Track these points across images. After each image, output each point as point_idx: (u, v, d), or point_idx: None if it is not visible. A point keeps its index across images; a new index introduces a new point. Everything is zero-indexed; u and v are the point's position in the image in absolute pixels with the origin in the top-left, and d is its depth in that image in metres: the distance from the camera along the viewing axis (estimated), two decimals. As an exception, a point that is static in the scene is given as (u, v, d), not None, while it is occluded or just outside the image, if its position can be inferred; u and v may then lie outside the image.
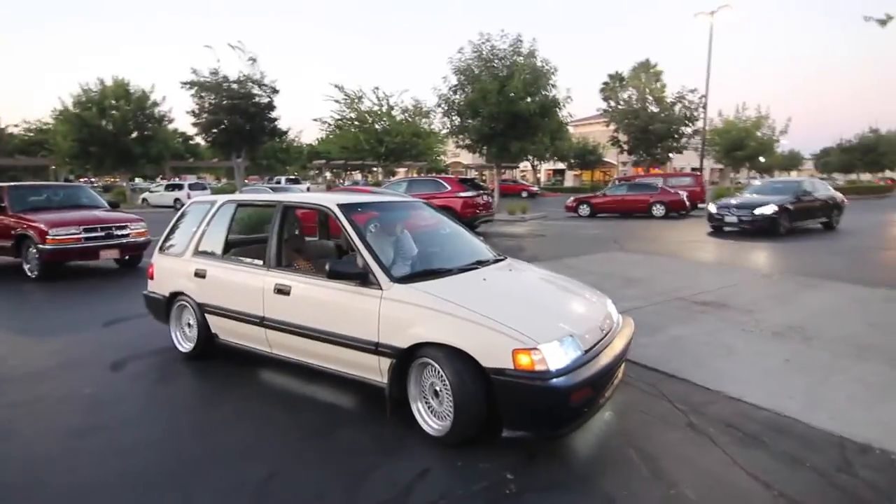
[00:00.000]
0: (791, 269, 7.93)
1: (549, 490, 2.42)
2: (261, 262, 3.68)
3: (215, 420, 3.20)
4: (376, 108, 24.70)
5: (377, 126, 24.47)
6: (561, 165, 44.27)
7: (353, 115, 24.74)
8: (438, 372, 2.75)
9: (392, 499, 2.34)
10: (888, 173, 47.16)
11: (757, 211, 11.97)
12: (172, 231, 4.49)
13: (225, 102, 13.20)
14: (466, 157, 45.72)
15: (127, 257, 8.44)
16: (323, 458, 2.71)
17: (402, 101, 25.66)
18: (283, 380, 3.82)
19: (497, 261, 3.79)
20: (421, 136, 25.77)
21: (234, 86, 13.47)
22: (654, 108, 24.73)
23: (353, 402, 3.43)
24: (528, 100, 16.61)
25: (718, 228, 12.83)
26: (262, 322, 3.52)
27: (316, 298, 3.27)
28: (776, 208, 11.84)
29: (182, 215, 4.52)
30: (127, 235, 8.24)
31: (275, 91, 14.04)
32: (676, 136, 23.94)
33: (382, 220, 3.93)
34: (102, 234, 7.91)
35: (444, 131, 24.05)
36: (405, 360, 2.87)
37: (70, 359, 4.26)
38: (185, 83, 13.48)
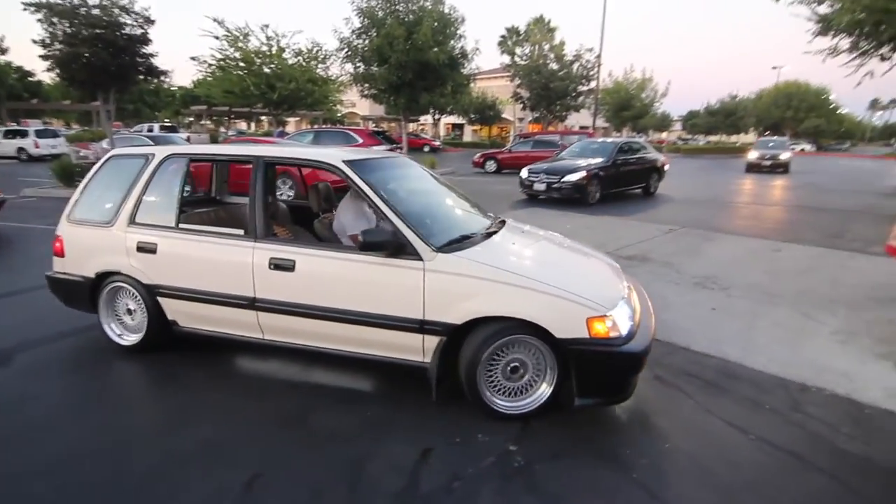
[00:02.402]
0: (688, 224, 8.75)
1: (558, 458, 2.40)
2: (241, 232, 3.08)
3: (164, 418, 2.72)
4: (265, 48, 22.41)
5: (266, 69, 22.30)
6: (460, 120, 44.32)
7: (237, 55, 22.23)
8: (527, 348, 2.62)
9: (403, 489, 2.16)
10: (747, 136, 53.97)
11: (565, 178, 10.77)
12: (85, 194, 3.53)
13: (85, 31, 10.86)
14: (363, 108, 43.82)
15: (-26, 220, 6.87)
16: (308, 451, 2.42)
17: (297, 43, 23.58)
18: (231, 361, 3.36)
19: (501, 222, 3.57)
20: (317, 82, 23.99)
21: (96, 11, 11.15)
22: (554, 66, 25.42)
23: (322, 380, 3.12)
24: (437, 49, 16.05)
25: (532, 196, 11.51)
26: (253, 304, 2.96)
27: (334, 274, 2.80)
28: (584, 174, 10.72)
29: (96, 174, 3.54)
30: (-28, 193, 6.66)
31: (149, 21, 11.87)
32: (574, 94, 25.01)
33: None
34: (-63, 191, 6.31)
35: (343, 78, 22.68)
36: (457, 337, 2.63)
37: (-72, 354, 3.37)
38: (30, 5, 10.80)
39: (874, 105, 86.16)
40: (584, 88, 25.48)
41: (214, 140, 25.94)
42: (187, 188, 3.38)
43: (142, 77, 12.72)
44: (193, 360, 3.33)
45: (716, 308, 4.52)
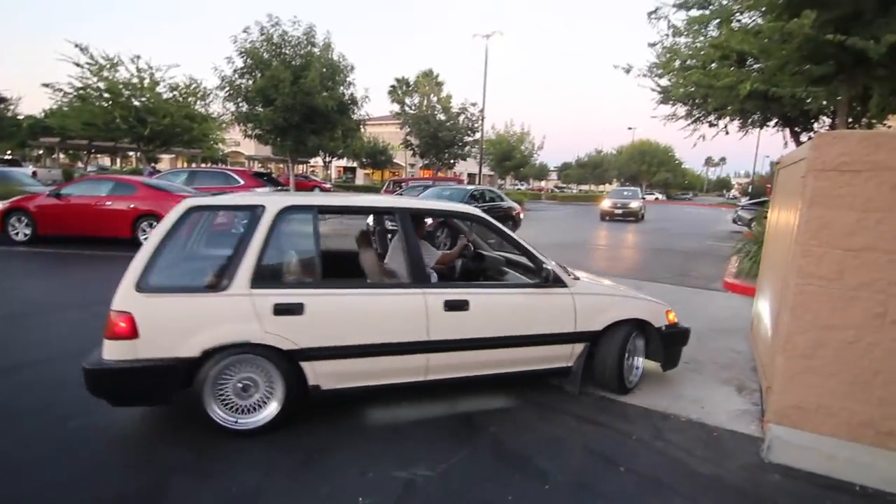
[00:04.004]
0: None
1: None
2: (407, 280, 3.27)
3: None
4: (135, 80, 20.68)
5: (136, 102, 20.53)
6: (352, 164, 44.33)
7: (101, 84, 20.22)
8: (636, 339, 3.69)
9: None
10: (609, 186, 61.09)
11: None
12: (162, 256, 2.81)
13: None
14: (248, 148, 42.00)
15: None
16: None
17: (173, 77, 22.09)
18: (56, 433, 2.82)
19: None
20: (195, 119, 22.55)
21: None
22: (442, 116, 26.65)
23: (178, 449, 2.73)
24: (326, 94, 16.02)
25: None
26: (425, 347, 3.12)
27: (506, 306, 3.35)
28: (430, 222, 10.25)
29: (173, 231, 2.87)
30: None
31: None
32: (460, 144, 26.34)
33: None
34: None
35: (225, 117, 21.61)
36: (595, 340, 3.53)
37: None
38: None
39: (708, 162, 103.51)
40: (470, 139, 26.97)
41: (69, 176, 23.00)
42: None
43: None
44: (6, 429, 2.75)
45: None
